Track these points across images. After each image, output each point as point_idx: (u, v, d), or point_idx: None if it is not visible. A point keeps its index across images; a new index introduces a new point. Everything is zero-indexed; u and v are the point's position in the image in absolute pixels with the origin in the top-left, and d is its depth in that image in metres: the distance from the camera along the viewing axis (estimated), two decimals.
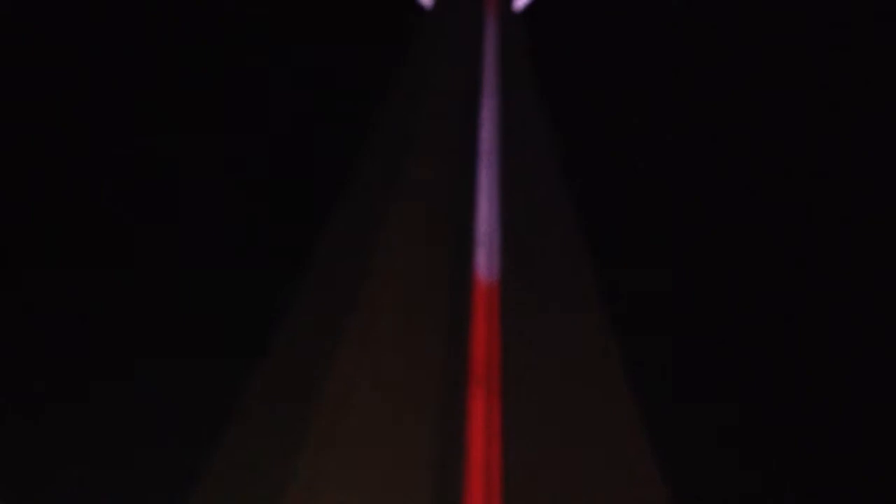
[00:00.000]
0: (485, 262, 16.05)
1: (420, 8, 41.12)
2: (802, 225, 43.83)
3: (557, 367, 13.81)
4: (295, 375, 12.87)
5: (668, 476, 12.12)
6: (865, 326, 40.36)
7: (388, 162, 20.18)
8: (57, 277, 37.52)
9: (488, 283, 15.44)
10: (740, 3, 50.97)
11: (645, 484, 12.09)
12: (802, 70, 47.90)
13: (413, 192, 18.39)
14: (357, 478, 10.34)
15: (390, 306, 14.14)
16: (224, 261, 39.28)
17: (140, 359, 34.58)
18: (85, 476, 29.25)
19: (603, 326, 15.62)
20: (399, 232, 17.04)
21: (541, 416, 12.57)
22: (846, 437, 39.18)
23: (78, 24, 45.24)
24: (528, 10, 41.41)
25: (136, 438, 29.56)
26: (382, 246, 16.43)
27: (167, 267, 40.07)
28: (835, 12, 48.45)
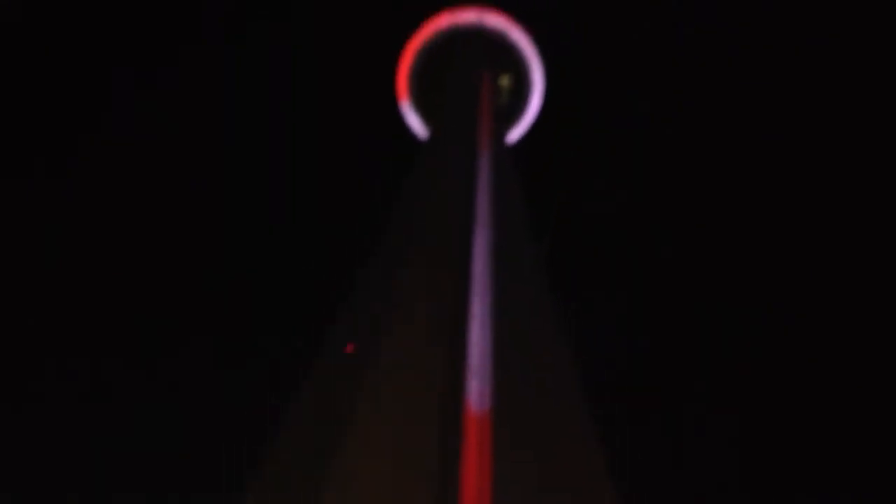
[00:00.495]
0: (477, 392, 16.00)
1: (416, 141, 42.50)
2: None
3: None
4: None
5: None
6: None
7: (383, 291, 20.35)
8: None
9: (480, 414, 15.35)
10: (717, 132, 52.59)
11: None
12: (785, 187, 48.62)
13: (406, 321, 18.53)
14: None
15: (380, 443, 14.16)
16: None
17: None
18: None
19: (597, 467, 15.55)
20: (391, 361, 17.09)
21: None
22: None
23: None
24: (520, 144, 42.84)
25: None
26: (374, 377, 16.50)
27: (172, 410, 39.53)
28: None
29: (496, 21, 40.06)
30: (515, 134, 42.42)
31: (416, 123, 42.66)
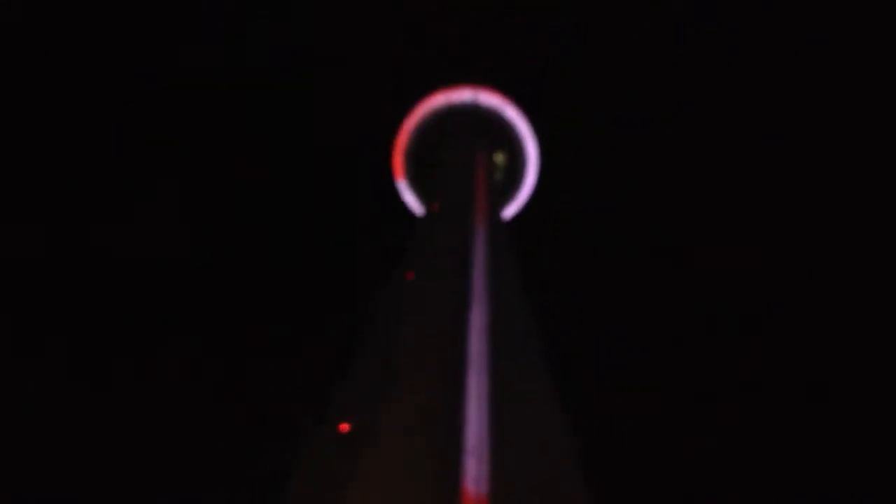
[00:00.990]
0: (474, 473, 15.67)
1: (412, 216, 42.74)
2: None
3: None
4: None
5: None
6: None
7: (378, 370, 20.16)
8: None
9: (477, 497, 15.05)
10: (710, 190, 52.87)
11: None
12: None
13: (402, 401, 18.28)
14: None
15: None
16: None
17: None
18: None
19: None
20: (386, 442, 16.80)
21: None
22: None
23: None
24: (516, 218, 43.07)
25: None
26: (368, 458, 16.22)
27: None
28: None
29: (490, 99, 40.72)
30: (511, 210, 42.70)
31: (411, 200, 42.96)
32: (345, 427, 18.38)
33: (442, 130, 41.26)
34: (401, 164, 42.25)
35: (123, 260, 47.78)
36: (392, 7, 51.62)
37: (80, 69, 49.86)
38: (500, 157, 41.59)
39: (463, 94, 40.88)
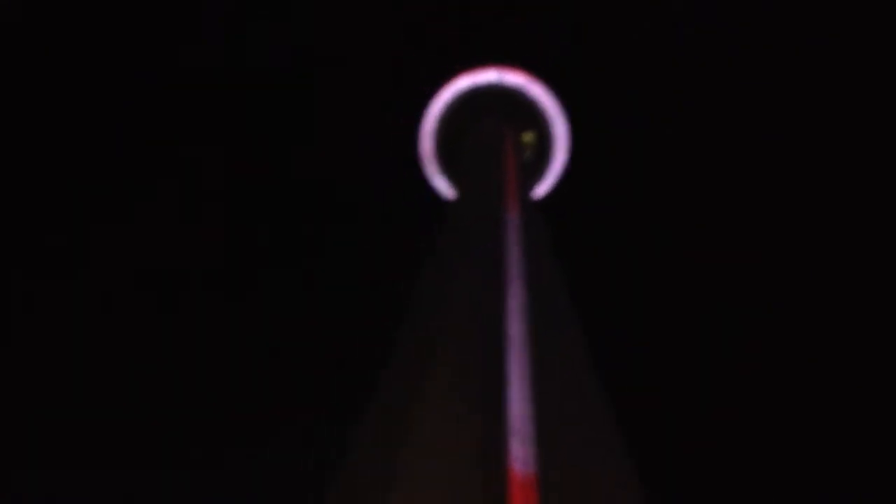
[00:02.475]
0: (521, 455, 15.71)
1: (442, 200, 42.74)
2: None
3: None
4: None
5: None
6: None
7: (417, 357, 20.26)
8: None
9: (525, 478, 15.08)
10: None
11: None
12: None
13: (443, 387, 18.37)
14: None
15: None
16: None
17: None
18: None
19: None
20: (430, 425, 16.90)
21: None
22: None
23: None
24: (548, 198, 42.89)
25: None
26: (415, 439, 16.35)
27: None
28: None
29: (516, 78, 40.49)
30: (543, 189, 42.54)
31: (441, 185, 42.94)
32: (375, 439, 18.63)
33: (468, 113, 41.19)
34: (429, 147, 42.26)
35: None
36: None
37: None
38: (528, 137, 41.42)
39: (488, 75, 40.78)
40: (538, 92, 40.53)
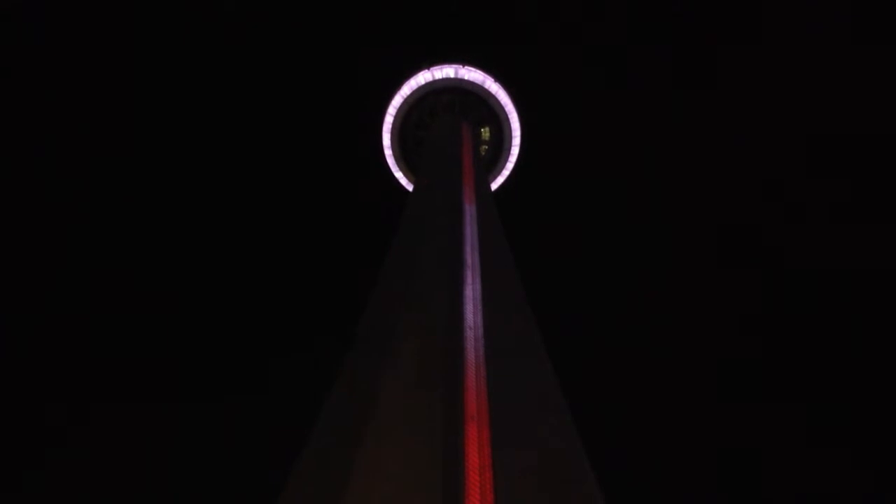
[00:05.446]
0: (476, 438, 16.81)
1: (404, 191, 43.47)
2: None
3: None
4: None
5: None
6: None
7: (381, 335, 21.26)
8: None
9: (481, 461, 16.17)
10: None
11: None
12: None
13: (405, 370, 19.42)
14: None
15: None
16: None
17: None
18: None
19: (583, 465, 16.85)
20: (391, 399, 18.06)
21: None
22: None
23: None
24: (502, 189, 43.89)
25: None
26: (375, 423, 17.50)
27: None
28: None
29: (473, 75, 41.29)
30: (498, 181, 43.50)
31: (401, 177, 43.72)
32: (351, 392, 19.57)
33: (427, 109, 41.89)
34: (389, 141, 42.92)
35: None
36: None
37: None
38: (485, 131, 42.35)
39: (446, 72, 41.48)
40: (494, 88, 41.47)
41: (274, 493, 17.09)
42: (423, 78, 42.05)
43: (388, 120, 42.73)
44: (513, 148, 42.90)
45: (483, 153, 41.78)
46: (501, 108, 42.08)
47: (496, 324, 21.16)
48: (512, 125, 42.45)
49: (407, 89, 42.17)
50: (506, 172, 43.60)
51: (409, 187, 43.00)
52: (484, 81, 41.79)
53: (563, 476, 17.40)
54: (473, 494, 15.18)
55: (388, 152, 43.37)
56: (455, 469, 15.84)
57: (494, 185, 43.08)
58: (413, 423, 17.57)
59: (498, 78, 41.67)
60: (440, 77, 41.80)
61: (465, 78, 41.59)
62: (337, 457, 17.30)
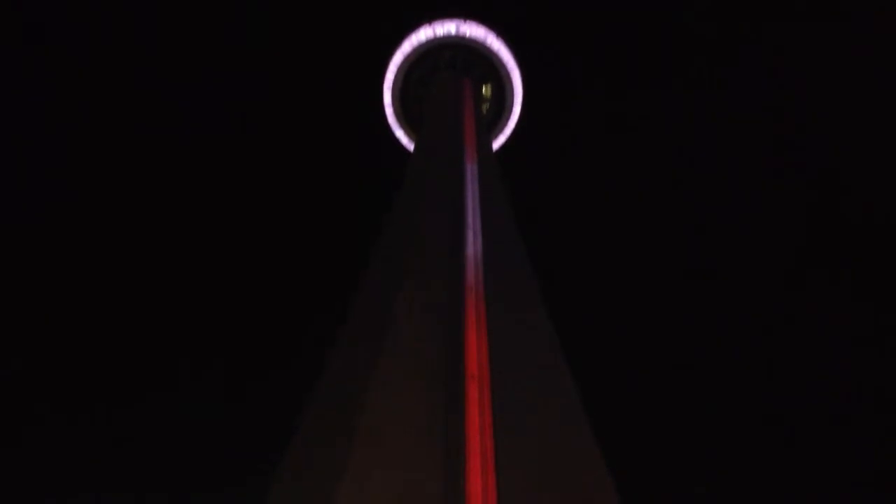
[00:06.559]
0: (476, 397, 16.67)
1: (405, 150, 43.13)
2: None
3: None
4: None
5: None
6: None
7: (381, 300, 21.07)
8: None
9: (481, 421, 16.03)
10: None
11: None
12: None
13: (405, 326, 19.27)
14: None
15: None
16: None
17: None
18: None
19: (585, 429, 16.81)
20: (392, 361, 17.93)
21: None
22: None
23: None
24: (505, 148, 43.52)
25: None
26: (379, 379, 17.38)
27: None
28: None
29: (475, 31, 40.67)
30: (500, 140, 43.10)
31: (402, 135, 43.31)
32: (353, 354, 19.47)
33: (429, 65, 41.38)
34: (390, 98, 42.44)
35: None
36: None
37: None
38: (487, 89, 41.85)
39: (448, 27, 40.88)
40: (496, 45, 40.84)
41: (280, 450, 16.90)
42: (423, 35, 41.40)
43: (389, 77, 42.20)
44: (515, 106, 42.40)
45: (485, 111, 41.25)
46: (503, 65, 41.50)
47: (497, 283, 21.00)
48: (514, 82, 41.89)
49: (408, 46, 41.54)
50: (508, 131, 43.15)
51: (412, 147, 42.57)
52: (486, 38, 41.15)
53: (564, 435, 17.34)
54: (474, 452, 14.95)
55: (388, 110, 42.88)
56: (455, 429, 15.76)
57: (496, 144, 42.63)
58: (413, 380, 17.45)
59: (500, 34, 41.04)
60: (441, 34, 41.16)
61: (467, 34, 40.95)
62: (338, 417, 17.21)
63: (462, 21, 40.85)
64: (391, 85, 42.31)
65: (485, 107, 41.58)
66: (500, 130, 42.96)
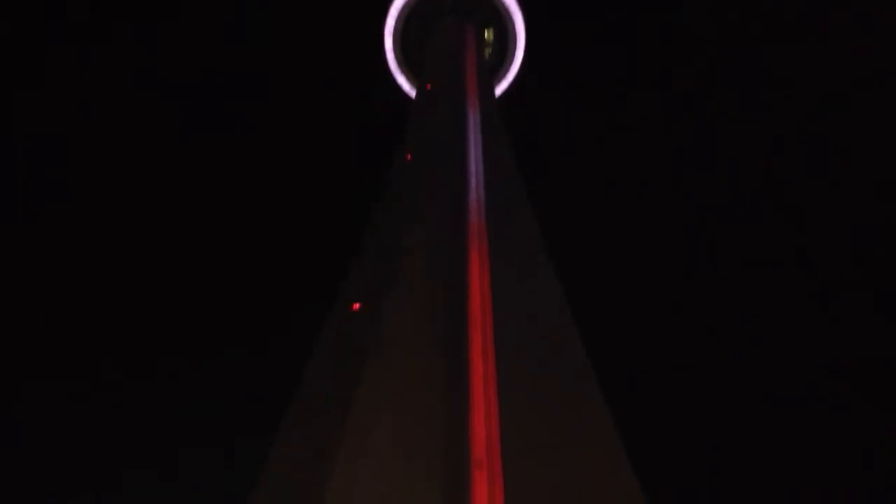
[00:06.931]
0: (480, 347, 16.76)
1: (407, 97, 42.83)
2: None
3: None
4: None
5: None
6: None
7: (382, 253, 21.19)
8: None
9: (485, 371, 16.14)
10: None
11: None
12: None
13: (408, 276, 19.39)
14: None
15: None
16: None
17: None
18: None
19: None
20: (396, 318, 18.01)
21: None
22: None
23: None
24: (507, 95, 43.18)
25: None
26: (388, 316, 17.54)
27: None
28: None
29: None
30: (503, 86, 42.74)
31: (403, 82, 42.97)
32: (356, 306, 19.57)
33: (430, 9, 40.88)
34: (391, 44, 42.04)
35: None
36: None
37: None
38: (489, 33, 41.41)
39: None
40: None
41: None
42: None
43: (390, 22, 41.77)
44: (517, 51, 41.98)
45: (487, 56, 40.85)
46: (505, 8, 41.00)
47: (500, 230, 21.01)
48: (517, 26, 41.41)
49: None
50: (510, 77, 42.76)
51: (413, 93, 42.27)
52: None
53: (565, 368, 17.53)
54: (477, 397, 15.13)
55: (389, 55, 42.52)
56: (458, 375, 15.74)
57: (499, 91, 42.28)
58: (417, 332, 17.52)
59: None
60: None
61: None
62: (343, 359, 17.35)
63: None
64: (392, 31, 41.91)
65: (487, 52, 41.19)
66: (503, 77, 42.61)
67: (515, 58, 41.94)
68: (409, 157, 27.20)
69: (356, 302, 19.55)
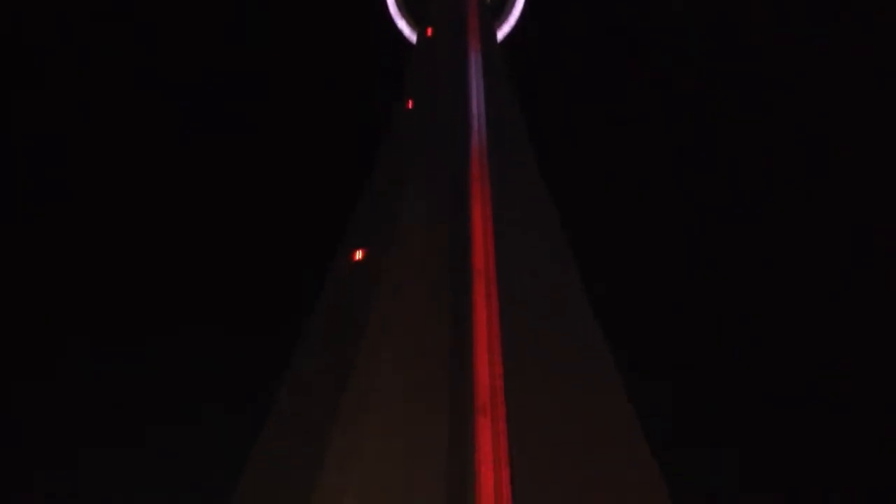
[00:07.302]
0: (483, 292, 16.61)
1: (408, 43, 42.30)
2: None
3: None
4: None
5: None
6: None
7: (385, 198, 21.06)
8: None
9: (489, 314, 16.01)
10: None
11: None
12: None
13: (411, 221, 19.26)
14: None
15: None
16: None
17: None
18: None
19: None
20: (399, 269, 17.91)
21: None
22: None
23: None
24: (509, 39, 42.59)
25: None
26: (384, 280, 17.41)
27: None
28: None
29: None
30: (505, 29, 42.19)
31: (404, 26, 42.39)
32: (359, 254, 19.50)
33: None
34: None
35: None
36: None
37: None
38: None
39: None
40: None
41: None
42: None
43: None
44: None
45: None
46: None
47: (502, 173, 20.85)
48: None
49: None
50: (512, 20, 42.13)
51: (414, 38, 41.68)
52: None
53: (569, 313, 17.50)
54: (481, 343, 15.08)
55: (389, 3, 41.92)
56: (461, 324, 15.67)
57: (501, 33, 41.71)
58: (420, 279, 17.46)
59: None
60: None
61: None
62: (345, 316, 17.28)
63: None
64: None
65: None
66: (507, 17, 42.01)
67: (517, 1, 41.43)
68: (409, 104, 26.95)
69: (359, 249, 19.45)
